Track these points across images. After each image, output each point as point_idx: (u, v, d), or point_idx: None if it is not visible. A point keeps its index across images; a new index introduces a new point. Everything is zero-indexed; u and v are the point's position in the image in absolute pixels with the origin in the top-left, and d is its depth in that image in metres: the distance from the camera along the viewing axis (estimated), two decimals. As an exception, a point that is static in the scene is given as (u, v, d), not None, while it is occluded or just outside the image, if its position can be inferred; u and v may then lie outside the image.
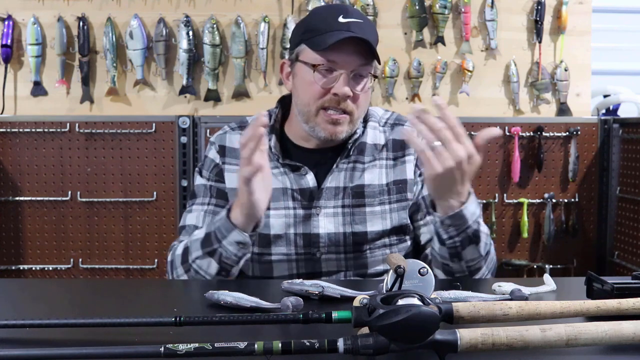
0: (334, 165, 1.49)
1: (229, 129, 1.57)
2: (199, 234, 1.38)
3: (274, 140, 1.50)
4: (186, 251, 1.39)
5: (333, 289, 1.16)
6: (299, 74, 1.45)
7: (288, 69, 1.50)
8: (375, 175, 1.50)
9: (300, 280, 1.19)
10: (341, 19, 1.39)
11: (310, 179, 1.48)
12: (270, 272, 1.48)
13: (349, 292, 1.15)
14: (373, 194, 1.48)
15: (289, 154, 1.51)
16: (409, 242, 1.54)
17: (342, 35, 1.37)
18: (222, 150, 1.53)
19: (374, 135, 1.53)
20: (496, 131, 1.26)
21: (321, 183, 1.48)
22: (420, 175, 1.51)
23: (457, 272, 1.37)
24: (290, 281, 1.20)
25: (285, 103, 1.56)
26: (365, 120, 1.54)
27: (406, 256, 1.52)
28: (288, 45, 2.83)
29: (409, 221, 1.52)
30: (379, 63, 1.47)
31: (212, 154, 1.54)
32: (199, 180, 1.55)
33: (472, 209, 1.30)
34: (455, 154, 1.20)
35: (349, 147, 1.49)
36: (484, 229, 1.36)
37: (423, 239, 1.52)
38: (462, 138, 1.21)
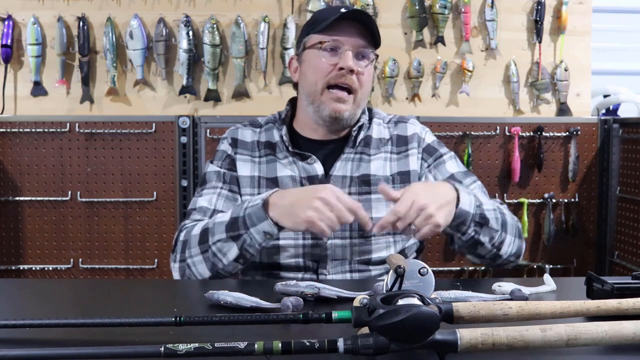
0: (342, 154, 1.55)
1: (240, 126, 1.65)
2: (224, 217, 1.40)
3: (285, 130, 1.58)
4: (206, 232, 1.40)
5: (329, 289, 1.16)
6: (307, 60, 1.55)
7: (295, 64, 1.60)
8: (380, 166, 1.57)
9: (295, 281, 1.19)
10: (343, 10, 1.50)
11: (318, 167, 1.54)
12: (277, 257, 1.50)
13: (345, 293, 1.15)
14: (378, 183, 1.53)
15: (297, 145, 1.58)
16: None
17: (345, 14, 1.48)
18: (235, 142, 1.61)
19: (379, 131, 1.62)
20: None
21: (329, 171, 1.54)
22: (427, 167, 1.59)
23: (485, 254, 1.44)
24: (284, 283, 1.19)
25: (294, 104, 1.64)
26: (371, 118, 1.63)
27: (408, 249, 1.53)
28: (288, 45, 2.86)
29: None
30: (378, 46, 1.55)
31: (224, 146, 1.61)
32: (210, 168, 1.59)
33: (467, 200, 1.37)
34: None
35: (354, 135, 1.56)
36: (487, 206, 1.42)
37: None
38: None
